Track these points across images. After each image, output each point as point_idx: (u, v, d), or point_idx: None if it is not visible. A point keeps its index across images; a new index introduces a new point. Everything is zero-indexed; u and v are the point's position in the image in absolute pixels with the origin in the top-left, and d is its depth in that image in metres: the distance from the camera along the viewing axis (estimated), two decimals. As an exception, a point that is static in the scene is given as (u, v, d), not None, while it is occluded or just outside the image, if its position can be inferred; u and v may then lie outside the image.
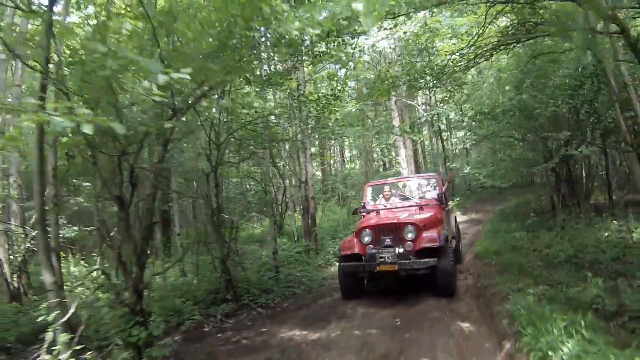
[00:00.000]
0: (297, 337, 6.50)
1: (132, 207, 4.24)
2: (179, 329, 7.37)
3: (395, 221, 8.39)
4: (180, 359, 5.91)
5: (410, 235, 8.00)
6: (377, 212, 9.62)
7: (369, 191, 10.59)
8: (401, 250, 7.95)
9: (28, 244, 10.24)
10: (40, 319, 4.40)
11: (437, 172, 27.74)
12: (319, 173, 28.25)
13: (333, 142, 29.96)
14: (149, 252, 4.57)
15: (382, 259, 7.90)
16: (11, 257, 10.03)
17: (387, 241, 8.15)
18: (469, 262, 10.93)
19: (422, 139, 28.52)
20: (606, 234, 9.94)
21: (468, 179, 27.23)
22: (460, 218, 21.61)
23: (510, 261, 9.12)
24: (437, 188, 9.90)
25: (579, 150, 10.94)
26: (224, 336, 6.95)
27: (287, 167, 15.50)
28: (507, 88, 13.80)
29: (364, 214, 9.82)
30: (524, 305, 5.63)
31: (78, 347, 4.17)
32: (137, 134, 3.70)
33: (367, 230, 8.39)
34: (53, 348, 4.20)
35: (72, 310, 4.24)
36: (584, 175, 15.01)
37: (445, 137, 32.19)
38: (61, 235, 11.29)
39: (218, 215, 8.55)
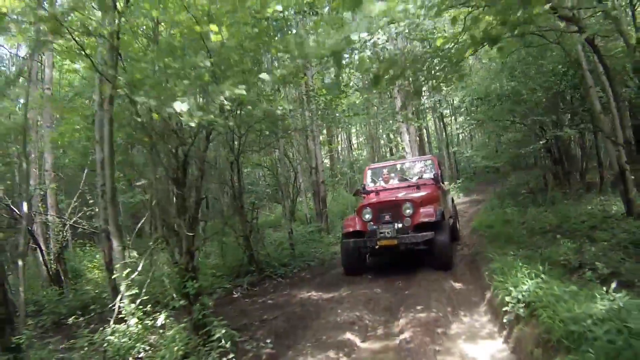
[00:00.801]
0: (314, 297, 7.68)
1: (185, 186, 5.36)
2: (211, 296, 8.48)
3: (394, 199, 9.01)
4: (217, 316, 7.06)
5: (408, 212, 8.58)
6: (377, 192, 10.26)
7: (368, 174, 11.25)
8: (400, 225, 8.56)
9: (65, 234, 11.41)
10: (115, 275, 5.49)
11: (440, 156, 28.73)
12: (327, 161, 29.22)
13: (340, 130, 30.86)
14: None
15: (382, 234, 8.53)
16: (50, 246, 11.16)
17: (387, 218, 8.72)
18: (466, 236, 12.00)
19: (424, 124, 29.40)
20: (589, 207, 10.95)
21: (471, 161, 28.09)
22: (464, 199, 22.75)
23: (500, 232, 10.15)
24: (433, 169, 10.65)
25: (564, 132, 11.94)
26: (252, 300, 8.12)
27: (299, 154, 16.50)
28: (500, 75, 14.67)
29: (364, 195, 10.45)
30: (503, 263, 6.73)
31: (144, 297, 5.33)
32: (192, 129, 4.81)
33: (368, 208, 8.99)
34: (123, 300, 5.35)
35: (139, 268, 5.40)
36: (578, 155, 16.07)
37: (448, 123, 33.16)
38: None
39: (241, 197, 9.67)
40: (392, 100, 24.13)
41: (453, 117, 33.21)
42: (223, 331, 4.90)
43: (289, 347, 5.47)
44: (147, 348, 4.98)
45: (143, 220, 9.13)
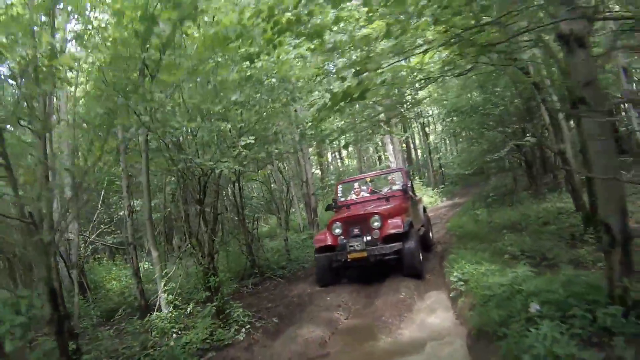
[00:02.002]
0: (308, 290, 9.25)
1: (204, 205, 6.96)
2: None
3: (362, 212, 9.32)
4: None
5: (376, 224, 8.82)
6: (348, 206, 10.61)
7: (339, 189, 11.77)
8: (369, 238, 8.81)
9: (86, 249, 12.85)
10: (155, 276, 7.08)
11: (425, 162, 30.18)
12: (317, 171, 30.59)
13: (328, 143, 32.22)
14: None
15: (352, 247, 8.74)
16: (72, 260, 12.58)
17: (356, 231, 8.97)
18: (441, 236, 13.50)
19: (409, 133, 30.95)
20: (549, 205, 12.46)
21: (454, 167, 29.62)
22: (447, 202, 24.31)
23: (469, 231, 11.68)
24: (402, 180, 11.12)
25: (524, 141, 13.56)
26: (256, 295, 9.65)
27: (290, 170, 17.92)
28: (468, 89, 16.25)
29: (336, 209, 10.78)
30: (457, 254, 8.35)
31: (177, 291, 6.94)
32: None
33: (338, 223, 9.28)
34: (161, 295, 6.95)
35: (173, 269, 6.99)
36: (552, 158, 17.70)
37: (432, 131, 34.86)
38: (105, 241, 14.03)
39: (242, 211, 11.25)
40: (375, 114, 25.63)
41: (435, 125, 34.75)
42: (240, 310, 6.51)
43: (289, 324, 7.05)
44: (181, 330, 6.57)
45: (156, 233, 10.71)
